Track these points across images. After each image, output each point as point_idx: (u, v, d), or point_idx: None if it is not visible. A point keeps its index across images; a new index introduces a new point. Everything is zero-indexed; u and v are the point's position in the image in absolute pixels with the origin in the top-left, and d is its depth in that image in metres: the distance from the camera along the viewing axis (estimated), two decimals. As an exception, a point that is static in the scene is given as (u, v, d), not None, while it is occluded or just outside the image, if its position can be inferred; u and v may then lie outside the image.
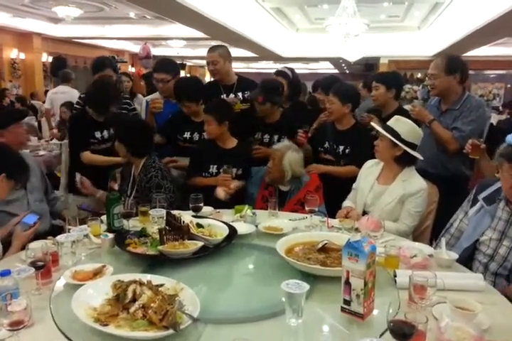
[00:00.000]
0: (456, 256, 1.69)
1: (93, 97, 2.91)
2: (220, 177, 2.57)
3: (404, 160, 2.20)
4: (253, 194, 2.64)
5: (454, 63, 2.65)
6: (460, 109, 2.66)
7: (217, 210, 2.27)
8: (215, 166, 2.67)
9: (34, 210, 2.20)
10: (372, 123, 2.38)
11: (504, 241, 1.71)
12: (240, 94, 3.05)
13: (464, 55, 9.84)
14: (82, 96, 3.17)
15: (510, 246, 1.67)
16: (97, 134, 2.90)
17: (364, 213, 2.24)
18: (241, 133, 2.87)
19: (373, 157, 2.36)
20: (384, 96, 2.91)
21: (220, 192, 2.52)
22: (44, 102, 9.21)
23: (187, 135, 2.90)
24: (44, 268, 1.43)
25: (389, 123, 2.23)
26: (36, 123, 6.60)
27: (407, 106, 2.97)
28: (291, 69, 3.24)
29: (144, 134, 2.53)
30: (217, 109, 2.66)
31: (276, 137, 2.91)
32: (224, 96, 3.04)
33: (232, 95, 3.04)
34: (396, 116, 2.28)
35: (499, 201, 1.76)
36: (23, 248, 1.84)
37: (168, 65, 3.14)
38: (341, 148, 2.75)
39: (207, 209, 2.23)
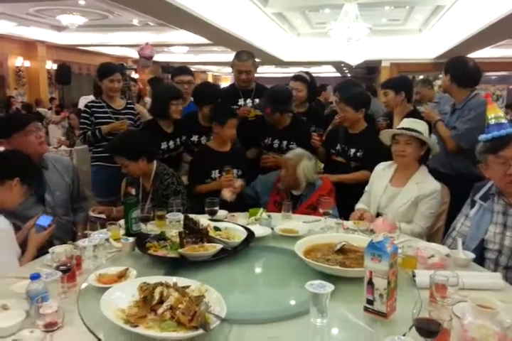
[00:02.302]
0: (472, 255, 1.71)
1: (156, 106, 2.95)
2: (224, 179, 2.58)
3: (423, 158, 2.29)
4: (266, 202, 2.66)
5: (448, 64, 2.84)
6: (462, 108, 2.74)
7: (232, 214, 2.30)
8: (217, 171, 2.69)
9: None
10: (390, 131, 2.39)
11: (507, 233, 1.76)
12: (257, 100, 3.11)
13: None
14: (88, 104, 3.15)
15: None
16: (163, 145, 2.91)
17: (378, 215, 2.26)
18: (251, 139, 2.90)
19: (385, 160, 2.40)
20: (394, 100, 2.92)
21: (226, 194, 2.54)
22: (49, 109, 9.30)
23: (195, 138, 2.96)
24: (69, 271, 1.46)
25: (406, 125, 2.25)
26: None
27: (420, 108, 3.02)
28: (308, 73, 3.28)
29: (144, 137, 2.55)
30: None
31: (285, 143, 2.92)
32: (242, 100, 3.11)
33: (249, 100, 3.11)
34: (406, 119, 2.34)
35: (492, 196, 1.84)
36: (40, 250, 1.88)
37: (188, 68, 3.38)
38: (353, 150, 2.78)
39: (222, 213, 2.25)
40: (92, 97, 5.74)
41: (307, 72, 3.23)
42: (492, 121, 1.84)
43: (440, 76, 3.20)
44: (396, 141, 2.26)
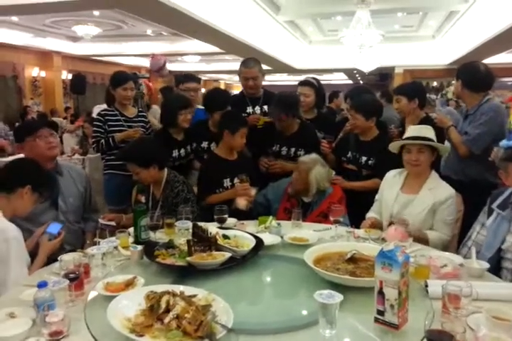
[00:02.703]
0: (487, 265, 1.66)
1: (165, 115, 2.97)
2: (240, 188, 2.53)
3: (434, 164, 2.27)
4: (277, 209, 2.64)
5: (459, 70, 2.84)
6: (475, 113, 2.71)
7: (242, 222, 2.28)
8: (228, 179, 2.66)
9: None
10: (401, 142, 2.36)
11: None
12: (265, 107, 3.10)
13: (480, 62, 9.77)
14: (101, 112, 3.19)
15: None
16: (175, 153, 2.92)
17: (391, 223, 2.22)
18: (260, 147, 2.89)
19: (396, 168, 2.36)
20: (407, 107, 2.88)
21: (242, 202, 2.52)
22: (64, 118, 9.46)
23: (205, 145, 2.96)
24: (77, 280, 1.46)
25: (415, 134, 2.21)
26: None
27: (432, 115, 2.98)
28: (316, 79, 3.26)
29: (156, 145, 2.57)
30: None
31: (293, 150, 2.90)
32: (250, 108, 3.10)
33: (257, 107, 3.09)
34: (412, 126, 2.33)
35: (510, 205, 1.77)
36: (49, 257, 1.89)
37: (195, 76, 3.37)
38: (364, 158, 2.75)
39: (231, 221, 2.24)
40: (105, 106, 5.86)
41: (315, 78, 3.21)
42: None
43: (453, 82, 3.14)
44: (408, 150, 2.20)
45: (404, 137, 2.29)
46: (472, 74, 2.74)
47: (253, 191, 2.57)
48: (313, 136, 2.96)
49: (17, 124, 6.29)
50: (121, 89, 3.12)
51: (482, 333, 1.15)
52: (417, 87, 3.06)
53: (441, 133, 2.65)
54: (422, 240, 2.05)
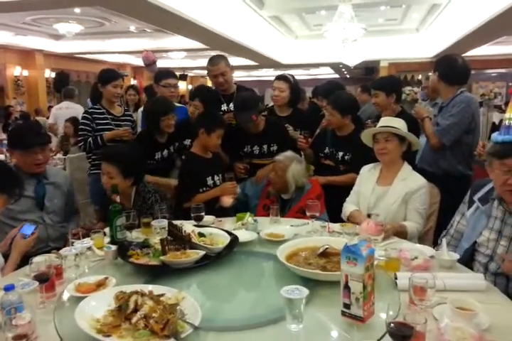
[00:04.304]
0: (457, 256, 1.69)
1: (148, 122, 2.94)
2: (229, 185, 2.54)
3: (406, 154, 2.30)
4: (255, 205, 2.65)
5: (437, 62, 2.88)
6: (448, 105, 2.76)
7: (219, 219, 2.29)
8: (210, 177, 2.65)
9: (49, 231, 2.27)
10: (369, 130, 2.39)
11: (501, 241, 1.71)
12: None
13: (464, 54, 9.84)
14: (89, 110, 3.17)
15: (507, 246, 1.66)
16: (157, 155, 2.89)
17: (368, 216, 2.25)
18: (231, 150, 2.90)
19: (372, 162, 2.39)
20: (385, 102, 2.91)
21: (228, 200, 2.54)
22: (48, 118, 9.36)
23: (187, 142, 2.95)
24: (48, 281, 1.45)
25: (384, 124, 2.27)
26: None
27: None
28: (292, 76, 3.26)
29: (145, 161, 2.56)
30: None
31: (265, 147, 2.89)
32: (224, 106, 3.08)
33: (231, 104, 3.06)
34: (383, 118, 2.38)
35: (492, 201, 1.77)
36: (23, 258, 1.88)
37: (174, 72, 3.39)
38: (341, 154, 2.76)
39: (209, 219, 2.24)
40: (65, 104, 5.85)
41: (291, 75, 3.20)
42: (507, 122, 1.73)
43: (430, 74, 3.17)
44: (376, 140, 2.27)
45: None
46: (449, 67, 2.77)
47: (238, 189, 2.58)
48: (281, 130, 2.93)
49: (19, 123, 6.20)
50: (111, 86, 3.10)
51: (444, 323, 1.17)
52: (394, 82, 3.09)
53: (416, 128, 2.68)
54: (401, 233, 2.08)
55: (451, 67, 2.77)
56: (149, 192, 2.37)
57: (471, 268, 1.77)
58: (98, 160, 3.04)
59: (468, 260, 1.80)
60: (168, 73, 3.37)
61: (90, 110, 3.16)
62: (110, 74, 3.20)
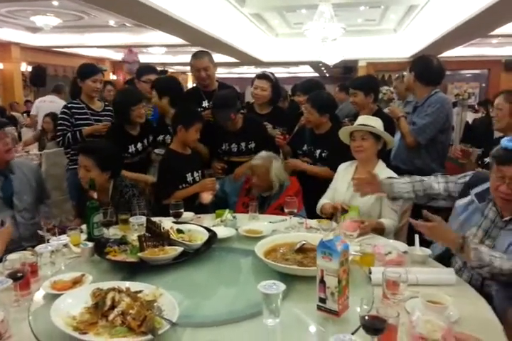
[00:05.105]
0: (429, 251, 1.74)
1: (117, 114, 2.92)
2: (208, 182, 2.54)
3: (381, 152, 2.36)
4: (234, 202, 2.66)
5: (413, 62, 2.91)
6: (423, 105, 2.82)
7: (198, 215, 2.29)
8: (190, 174, 2.65)
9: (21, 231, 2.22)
10: (346, 127, 2.44)
11: (486, 241, 1.69)
12: None
13: (440, 55, 10.05)
14: (68, 105, 3.12)
15: (491, 246, 1.64)
16: (131, 148, 2.85)
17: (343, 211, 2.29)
18: (210, 147, 2.91)
19: (347, 160, 2.44)
20: (363, 102, 2.95)
21: (207, 197, 2.55)
22: (24, 113, 9.13)
23: (160, 138, 2.96)
24: (22, 279, 1.43)
25: (361, 122, 2.32)
26: (16, 134, 6.52)
27: (387, 109, 3.08)
28: (273, 74, 3.27)
29: (122, 156, 2.55)
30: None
31: (243, 144, 2.89)
32: (205, 102, 3.06)
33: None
34: (360, 117, 2.44)
35: (488, 200, 1.74)
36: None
37: (155, 68, 3.42)
38: (318, 151, 2.80)
39: (188, 215, 2.25)
40: (50, 97, 5.73)
41: (271, 73, 3.22)
42: None
43: (405, 73, 3.22)
44: (353, 138, 2.33)
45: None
46: (425, 68, 2.84)
47: (217, 185, 2.59)
48: (260, 128, 2.94)
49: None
50: (91, 80, 3.08)
51: (415, 317, 1.21)
52: (372, 82, 3.14)
53: (391, 127, 2.75)
54: (379, 230, 2.13)
55: (427, 68, 2.83)
56: (127, 186, 2.36)
57: (449, 261, 1.78)
58: (76, 155, 3.00)
59: (449, 251, 1.77)
60: (149, 69, 3.38)
61: (69, 105, 3.13)
62: (89, 69, 3.17)
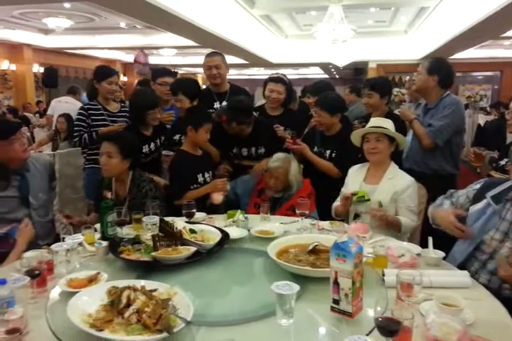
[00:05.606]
0: (442, 254, 1.73)
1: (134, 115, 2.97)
2: (219, 182, 2.55)
3: (394, 155, 2.37)
4: (246, 203, 2.67)
5: (436, 65, 2.80)
6: (436, 107, 2.80)
7: (210, 216, 2.30)
8: (201, 174, 2.66)
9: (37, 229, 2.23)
10: (361, 129, 2.43)
11: (507, 243, 1.67)
12: None
13: (451, 57, 10.00)
14: (85, 106, 3.17)
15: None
16: (145, 148, 2.89)
17: (356, 215, 2.30)
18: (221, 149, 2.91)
19: (357, 161, 2.44)
20: (378, 103, 2.96)
21: (218, 197, 2.55)
22: (36, 113, 9.24)
23: (177, 137, 2.97)
24: (39, 276, 1.45)
25: (375, 124, 2.32)
26: (29, 134, 6.61)
27: (397, 111, 3.08)
28: (285, 76, 3.27)
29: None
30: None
31: (253, 149, 2.91)
32: (217, 103, 3.08)
33: (224, 103, 3.07)
34: (373, 118, 2.44)
35: (505, 201, 1.72)
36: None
37: (171, 70, 3.45)
38: (328, 152, 2.81)
39: (200, 215, 2.26)
40: (65, 98, 5.79)
41: (284, 75, 3.23)
42: None
43: (415, 74, 3.16)
44: (367, 139, 2.33)
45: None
46: (448, 71, 2.82)
47: (228, 186, 2.60)
48: (269, 132, 2.94)
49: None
50: (106, 83, 3.13)
51: (430, 319, 1.21)
52: (387, 84, 3.17)
53: (403, 128, 2.74)
54: (395, 225, 2.14)
55: (451, 72, 2.83)
56: (144, 181, 2.42)
57: (467, 265, 1.76)
58: (94, 155, 3.05)
59: (468, 254, 1.77)
60: (165, 71, 3.40)
61: (86, 106, 3.18)
62: (105, 71, 3.23)
